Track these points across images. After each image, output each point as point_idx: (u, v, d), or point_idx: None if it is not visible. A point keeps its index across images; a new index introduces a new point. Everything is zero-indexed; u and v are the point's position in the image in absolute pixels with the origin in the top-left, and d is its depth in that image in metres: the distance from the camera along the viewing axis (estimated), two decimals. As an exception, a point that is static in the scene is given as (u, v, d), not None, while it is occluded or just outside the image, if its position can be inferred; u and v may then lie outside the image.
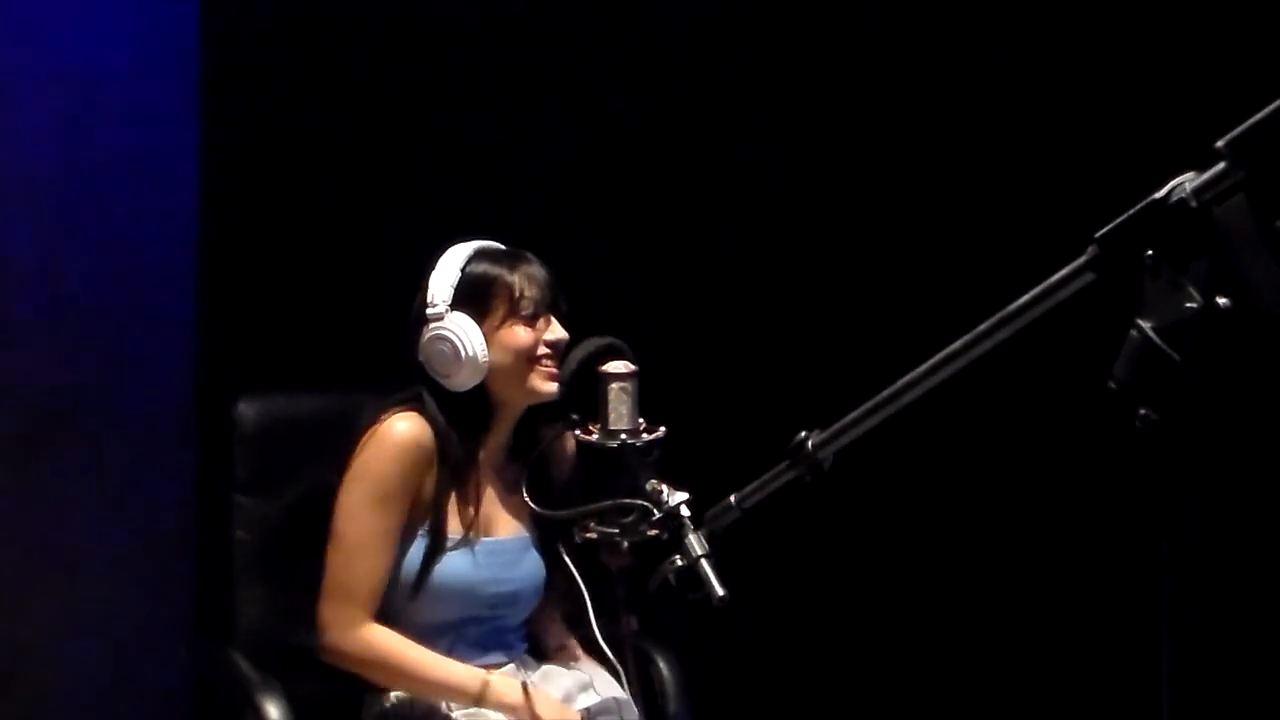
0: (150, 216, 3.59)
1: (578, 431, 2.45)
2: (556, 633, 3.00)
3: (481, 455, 2.83)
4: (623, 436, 2.39)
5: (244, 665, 2.91)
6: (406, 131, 3.80)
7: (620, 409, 2.40)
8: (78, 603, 3.50)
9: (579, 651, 2.96)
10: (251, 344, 3.60)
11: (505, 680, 2.77)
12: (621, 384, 2.42)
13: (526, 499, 2.73)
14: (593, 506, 2.38)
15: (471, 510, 2.81)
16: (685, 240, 3.93)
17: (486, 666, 2.83)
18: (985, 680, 3.92)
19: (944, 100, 3.92)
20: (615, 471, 2.39)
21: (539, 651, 2.97)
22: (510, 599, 2.85)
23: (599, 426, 2.41)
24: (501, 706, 2.74)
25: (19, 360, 3.44)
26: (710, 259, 3.95)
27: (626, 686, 2.80)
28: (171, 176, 3.60)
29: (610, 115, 3.89)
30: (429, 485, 2.78)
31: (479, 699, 2.74)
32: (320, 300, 3.71)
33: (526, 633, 2.94)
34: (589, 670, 2.90)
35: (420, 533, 2.78)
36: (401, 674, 2.76)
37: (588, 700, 2.84)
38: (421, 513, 2.78)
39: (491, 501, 2.85)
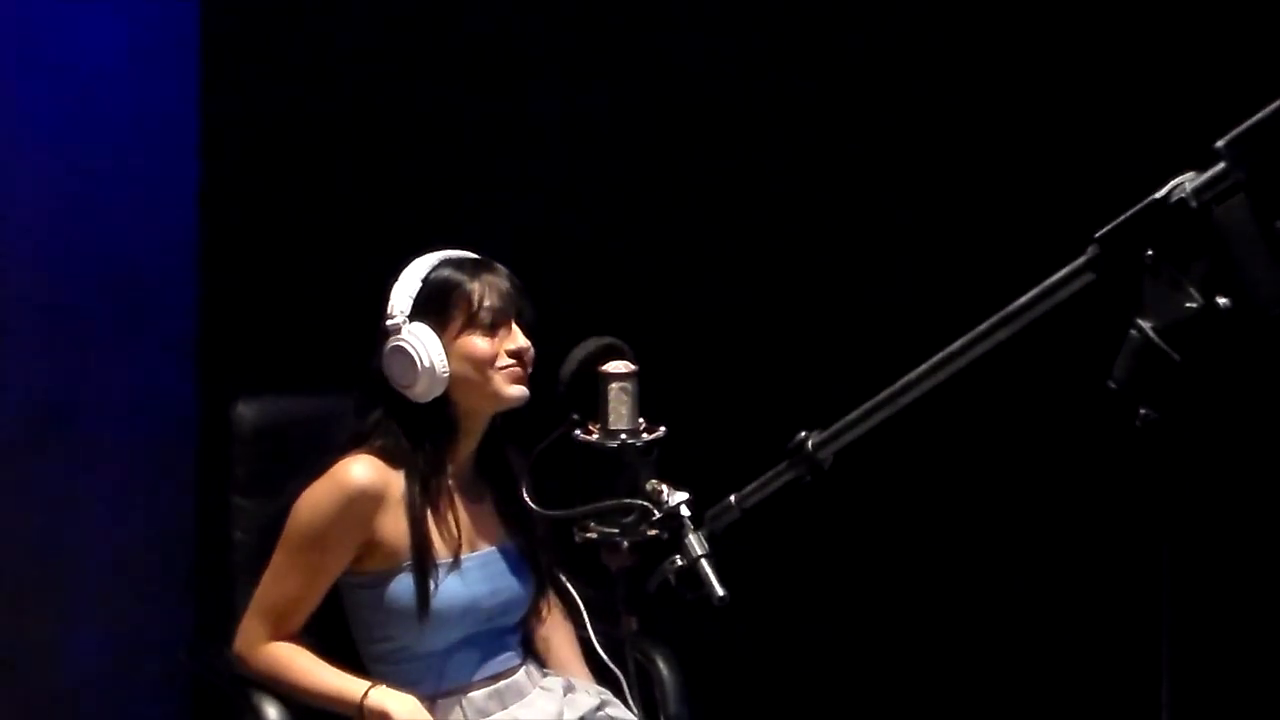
0: (150, 217, 3.59)
1: (578, 431, 2.44)
2: (560, 649, 2.99)
3: (451, 469, 2.81)
4: (623, 436, 2.38)
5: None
6: (407, 131, 3.80)
7: (620, 409, 2.40)
8: (77, 603, 3.50)
9: (578, 669, 2.97)
10: (251, 345, 3.60)
11: (388, 693, 2.70)
12: (621, 384, 2.41)
13: (527, 500, 2.72)
14: (593, 506, 2.38)
15: (452, 528, 2.79)
16: (685, 240, 3.93)
17: (497, 676, 2.82)
18: (985, 680, 3.92)
19: (944, 100, 3.92)
20: (615, 471, 2.39)
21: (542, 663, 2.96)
22: (505, 607, 2.84)
23: (599, 426, 2.40)
24: (377, 715, 2.68)
25: (19, 360, 3.44)
26: (710, 259, 3.95)
27: (628, 694, 2.79)
28: (171, 177, 3.61)
29: (610, 116, 3.89)
30: (385, 524, 2.74)
31: (359, 709, 2.68)
32: (319, 302, 3.71)
33: (523, 634, 2.93)
34: (582, 686, 2.91)
35: (403, 566, 2.74)
36: (295, 686, 2.73)
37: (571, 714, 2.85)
38: (384, 551, 2.75)
39: (467, 516, 2.83)
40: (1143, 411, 1.52)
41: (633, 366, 2.44)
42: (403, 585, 2.74)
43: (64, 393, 3.49)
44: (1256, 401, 3.20)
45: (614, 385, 2.41)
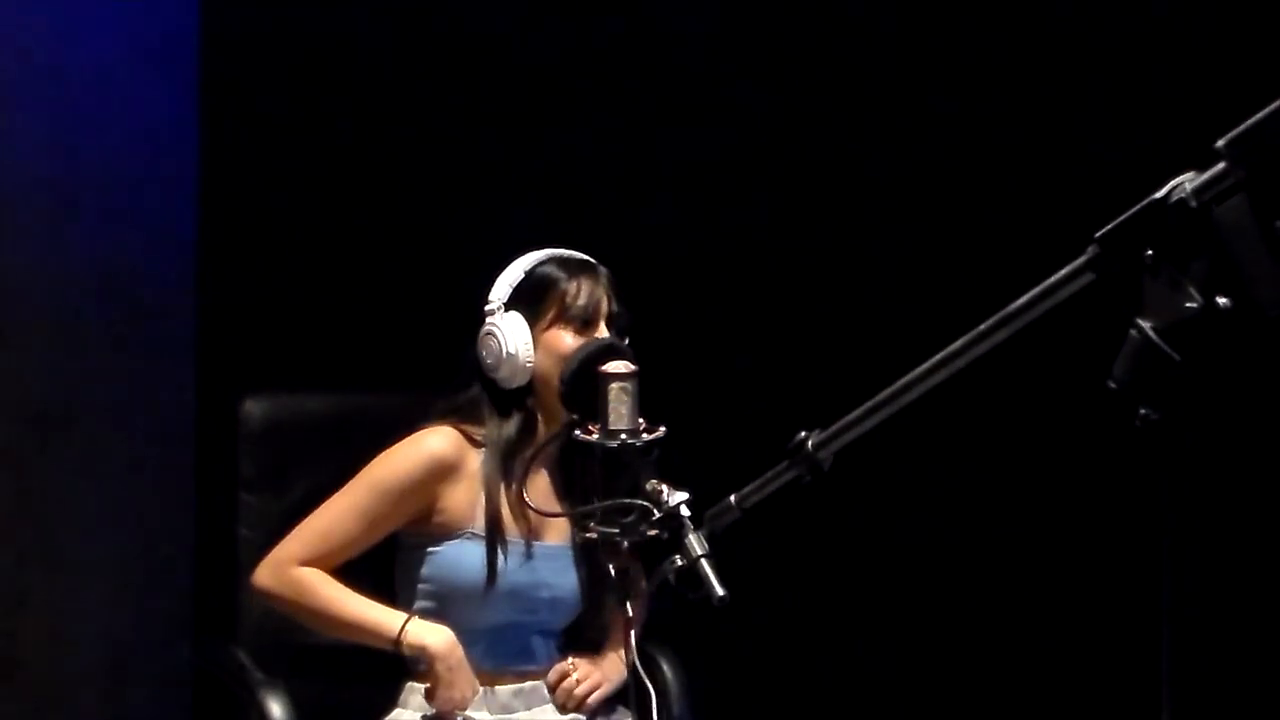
0: (151, 215, 3.59)
1: (578, 431, 2.44)
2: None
3: (534, 458, 2.81)
4: (623, 436, 2.39)
5: (247, 663, 2.92)
6: (407, 130, 3.80)
7: (620, 409, 2.40)
8: (80, 600, 3.50)
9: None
10: (256, 343, 3.60)
11: (425, 626, 2.76)
12: (621, 384, 2.42)
13: (526, 499, 2.72)
14: (592, 506, 2.38)
15: (526, 512, 2.80)
16: (685, 240, 3.93)
17: (525, 674, 2.83)
18: (985, 680, 3.92)
19: (944, 100, 3.92)
20: (615, 471, 2.39)
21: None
22: (554, 604, 2.84)
23: (599, 426, 2.40)
24: (416, 648, 2.73)
25: (20, 360, 3.44)
26: (710, 259, 3.95)
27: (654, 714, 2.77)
28: (171, 176, 3.60)
29: (608, 115, 3.89)
30: (454, 494, 2.78)
31: (396, 641, 2.73)
32: (324, 299, 3.71)
33: (563, 643, 2.92)
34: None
35: (463, 533, 2.78)
36: (322, 610, 2.77)
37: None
38: (448, 517, 2.79)
39: (545, 506, 2.82)
40: (1143, 411, 1.52)
41: (633, 366, 2.45)
42: (467, 553, 2.78)
43: (64, 393, 3.49)
44: (1256, 401, 3.20)
45: (614, 385, 2.41)
